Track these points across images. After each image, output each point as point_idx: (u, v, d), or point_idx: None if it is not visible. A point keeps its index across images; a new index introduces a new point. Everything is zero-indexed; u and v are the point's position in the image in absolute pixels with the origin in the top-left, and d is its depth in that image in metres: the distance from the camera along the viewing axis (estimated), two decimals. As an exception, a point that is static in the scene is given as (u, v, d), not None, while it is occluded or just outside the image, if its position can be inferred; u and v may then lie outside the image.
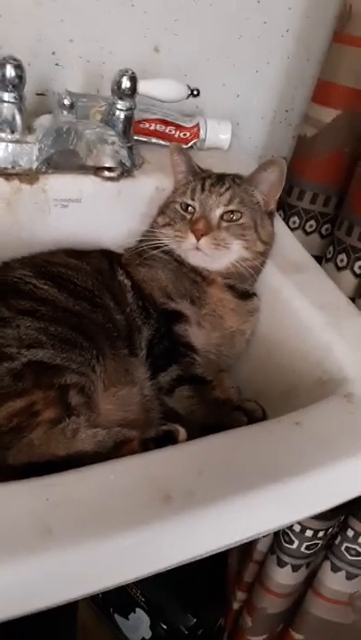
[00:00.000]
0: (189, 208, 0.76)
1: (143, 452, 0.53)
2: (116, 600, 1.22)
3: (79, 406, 0.57)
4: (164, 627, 1.16)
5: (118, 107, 0.78)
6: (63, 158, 0.77)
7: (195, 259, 0.74)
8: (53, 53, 0.88)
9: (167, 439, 0.55)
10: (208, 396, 0.66)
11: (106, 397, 0.63)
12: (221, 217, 0.74)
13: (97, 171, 0.80)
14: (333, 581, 1.01)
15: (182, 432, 0.56)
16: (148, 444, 0.54)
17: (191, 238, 0.72)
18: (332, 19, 0.97)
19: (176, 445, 0.54)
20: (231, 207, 0.74)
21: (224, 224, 0.74)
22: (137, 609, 1.19)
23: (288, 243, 0.83)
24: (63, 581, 0.43)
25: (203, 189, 0.75)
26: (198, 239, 0.72)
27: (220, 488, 0.48)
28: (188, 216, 0.75)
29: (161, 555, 0.47)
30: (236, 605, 1.17)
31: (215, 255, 0.73)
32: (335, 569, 1.00)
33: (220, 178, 0.78)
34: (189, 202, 0.76)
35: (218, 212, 0.74)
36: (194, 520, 0.46)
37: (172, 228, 0.75)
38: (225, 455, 0.52)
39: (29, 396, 0.55)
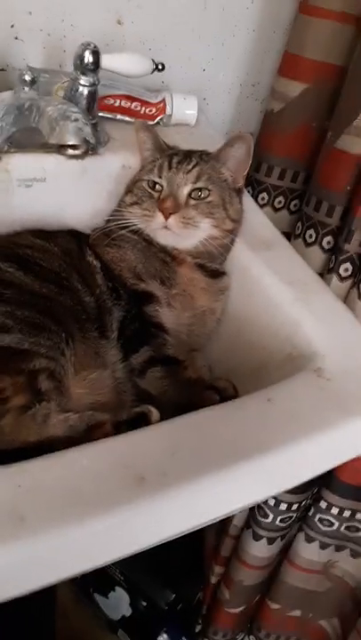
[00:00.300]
0: (157, 186, 0.75)
1: (116, 434, 0.53)
2: (95, 579, 1.23)
3: (49, 391, 0.56)
4: (144, 603, 1.18)
5: (81, 82, 0.76)
6: (25, 136, 0.75)
7: (164, 238, 0.73)
8: (12, 26, 0.84)
9: (140, 421, 0.55)
10: (180, 376, 0.66)
11: (77, 381, 0.62)
12: (189, 195, 0.73)
13: (61, 149, 0.78)
14: (308, 551, 1.04)
15: (155, 413, 0.56)
16: (121, 427, 0.54)
17: (159, 217, 0.71)
18: (297, -11, 0.95)
19: (149, 426, 0.54)
20: (199, 184, 0.73)
21: (192, 202, 0.73)
22: (116, 587, 1.20)
23: (257, 219, 0.83)
24: (38, 568, 0.43)
25: (170, 167, 0.74)
26: (167, 218, 0.71)
27: (194, 467, 0.49)
28: (156, 194, 0.74)
29: (136, 536, 0.47)
30: (213, 579, 1.19)
31: (184, 234, 0.72)
32: (309, 539, 1.02)
33: (188, 155, 0.77)
34: (156, 179, 0.74)
35: (185, 189, 0.73)
36: (168, 500, 0.47)
37: (140, 207, 0.74)
38: (198, 434, 0.52)
39: (-3, 382, 0.54)
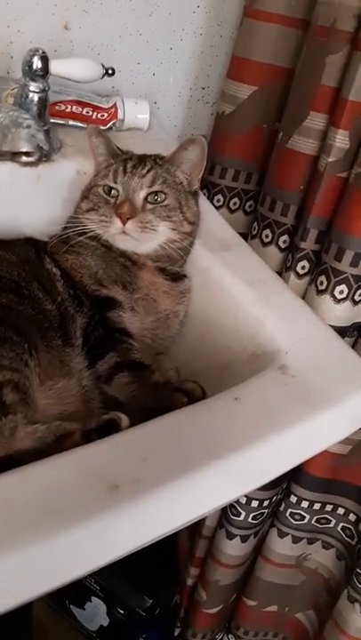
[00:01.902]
0: (112, 191, 0.74)
1: (86, 443, 0.52)
2: (71, 591, 1.21)
3: (15, 404, 0.55)
4: (121, 611, 1.17)
5: (31, 88, 0.75)
6: (-24, 145, 0.73)
7: (122, 243, 0.73)
8: None
9: (110, 428, 0.54)
10: (147, 381, 0.66)
11: (43, 392, 0.61)
12: (146, 199, 0.73)
13: (14, 156, 0.76)
14: (281, 546, 1.05)
15: (124, 419, 0.55)
16: (91, 435, 0.53)
17: (117, 222, 0.71)
18: (241, -6, 0.97)
19: (119, 433, 0.54)
20: (155, 188, 0.73)
21: (149, 206, 0.73)
22: (92, 597, 1.19)
23: (214, 221, 0.83)
24: (12, 586, 0.41)
25: (125, 171, 0.74)
26: (124, 223, 0.71)
27: (166, 471, 0.48)
28: (112, 200, 0.74)
29: (113, 545, 0.46)
30: (189, 581, 1.20)
31: (142, 238, 0.73)
32: (282, 534, 1.04)
33: (142, 159, 0.77)
34: (112, 185, 0.74)
35: (142, 194, 0.73)
36: (143, 507, 0.46)
37: (97, 213, 0.74)
38: (168, 438, 0.52)
39: None
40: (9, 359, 0.57)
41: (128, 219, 0.71)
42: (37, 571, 0.42)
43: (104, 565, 0.47)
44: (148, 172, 0.74)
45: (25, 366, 0.59)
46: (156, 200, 0.73)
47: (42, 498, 0.44)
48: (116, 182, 0.74)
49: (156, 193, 0.73)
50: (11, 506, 0.43)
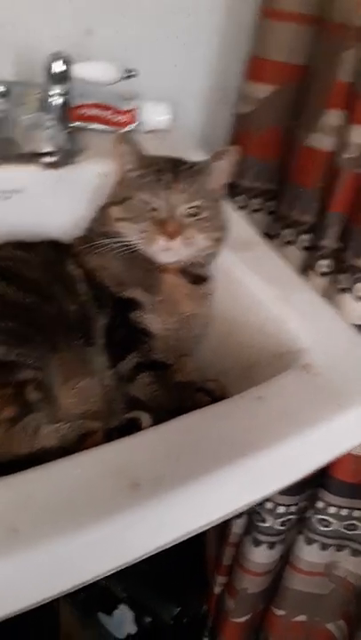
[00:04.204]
0: (150, 205, 0.73)
1: (108, 442, 0.52)
2: (98, 598, 1.20)
3: (38, 402, 0.55)
4: (149, 619, 1.16)
5: (53, 92, 0.76)
6: (1, 147, 0.74)
7: (164, 258, 0.73)
8: (-20, 40, 0.84)
9: (132, 427, 0.54)
10: (169, 381, 0.66)
11: (65, 391, 0.61)
12: (184, 213, 0.73)
13: (36, 157, 0.77)
14: (309, 554, 1.03)
15: (146, 418, 0.55)
16: (113, 434, 0.53)
17: (162, 240, 0.71)
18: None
19: (141, 432, 0.53)
20: (194, 203, 0.73)
21: (189, 220, 0.73)
22: (120, 605, 1.18)
23: (236, 221, 0.83)
24: (34, 581, 0.41)
25: (163, 186, 0.73)
26: (169, 240, 0.71)
27: (189, 470, 0.48)
28: (152, 214, 0.73)
29: (134, 544, 0.46)
30: (217, 589, 1.18)
31: (183, 252, 0.73)
32: (309, 541, 1.02)
33: (176, 170, 0.75)
34: (150, 200, 0.73)
35: (182, 209, 0.73)
36: (165, 505, 0.46)
37: (135, 227, 0.73)
38: (190, 436, 0.52)
39: (-15, 396, 0.53)
40: (32, 358, 0.58)
41: (173, 236, 0.71)
42: (59, 568, 0.42)
43: (126, 565, 0.46)
44: (186, 186, 0.73)
45: (47, 365, 0.59)
46: (194, 213, 0.73)
47: (64, 495, 0.44)
48: (154, 197, 0.73)
49: (195, 207, 0.73)
50: (33, 502, 0.43)
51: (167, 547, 0.49)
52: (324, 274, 0.83)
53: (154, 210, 0.73)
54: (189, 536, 0.51)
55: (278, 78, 0.88)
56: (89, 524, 0.42)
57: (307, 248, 0.87)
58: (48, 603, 0.44)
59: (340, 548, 1.04)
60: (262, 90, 0.89)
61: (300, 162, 0.84)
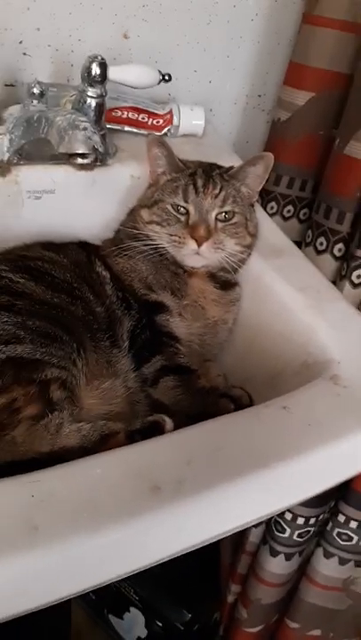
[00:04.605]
0: (181, 209, 0.74)
1: (130, 444, 0.52)
2: (110, 600, 1.20)
3: (61, 401, 0.56)
4: (160, 624, 1.16)
5: (89, 94, 0.76)
6: (35, 148, 0.75)
7: (193, 262, 0.73)
8: (20, 42, 0.85)
9: (154, 430, 0.54)
10: (193, 386, 0.65)
11: (89, 391, 0.62)
12: (216, 218, 0.73)
13: (70, 158, 0.78)
14: (326, 568, 1.01)
15: (169, 422, 0.55)
16: (135, 436, 0.53)
17: (192, 244, 0.71)
18: (300, 0, 0.96)
19: (163, 435, 0.53)
20: (226, 208, 0.73)
21: (220, 225, 0.73)
22: (131, 608, 1.18)
23: (267, 228, 0.82)
24: (52, 579, 0.41)
25: (195, 190, 0.73)
26: (200, 245, 0.71)
27: (210, 476, 0.47)
28: (183, 218, 0.73)
29: (152, 547, 0.46)
30: (230, 598, 1.17)
31: (213, 257, 0.73)
32: (328, 555, 1.00)
33: (209, 175, 0.76)
34: (183, 204, 0.73)
35: (214, 214, 0.73)
36: (184, 510, 0.45)
37: (165, 230, 0.74)
38: (213, 443, 0.51)
39: (10, 392, 0.53)
40: (58, 357, 0.58)
41: (201, 240, 0.71)
42: (77, 566, 0.42)
43: (143, 568, 0.46)
44: (219, 191, 0.73)
45: (73, 365, 0.59)
46: (226, 218, 0.73)
47: (84, 494, 0.44)
48: (187, 202, 0.73)
49: (226, 212, 0.73)
50: (54, 500, 0.43)
51: (184, 553, 0.49)
52: (358, 284, 0.81)
53: (184, 214, 0.73)
54: (207, 543, 0.50)
55: (318, 85, 0.87)
56: (108, 525, 0.42)
57: (341, 257, 0.86)
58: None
59: (359, 563, 1.02)
60: (301, 97, 0.88)
61: (337, 170, 0.84)
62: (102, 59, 0.75)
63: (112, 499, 0.44)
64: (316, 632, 1.12)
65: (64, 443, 0.52)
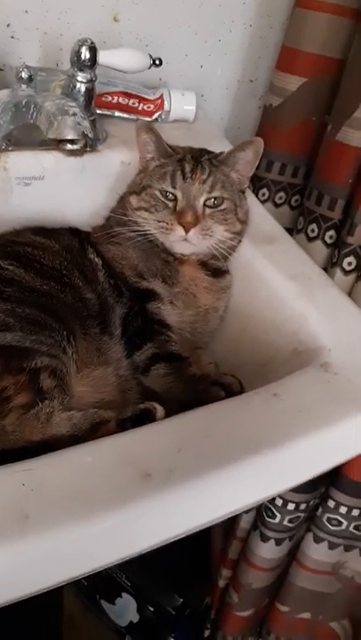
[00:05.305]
0: (170, 195, 0.73)
1: (121, 432, 0.52)
2: (102, 586, 1.21)
3: (51, 389, 0.55)
4: (152, 609, 1.17)
5: (78, 79, 0.75)
6: (24, 134, 0.74)
7: (181, 249, 0.73)
8: (8, 25, 0.84)
9: (145, 418, 0.54)
10: (185, 373, 0.65)
11: (80, 379, 0.61)
12: (204, 204, 0.72)
13: (59, 144, 0.77)
14: (316, 552, 1.02)
15: (160, 409, 0.55)
16: (126, 424, 0.53)
17: (179, 230, 0.70)
18: (293, -16, 0.95)
19: (154, 423, 0.53)
20: (214, 194, 0.73)
21: (208, 211, 0.72)
22: (123, 593, 1.19)
23: (259, 215, 0.82)
24: (43, 567, 0.41)
25: (183, 176, 0.73)
26: (187, 231, 0.70)
27: (201, 463, 0.48)
28: (170, 204, 0.73)
29: (143, 534, 0.46)
30: (221, 583, 1.18)
31: (201, 244, 0.72)
32: (318, 540, 1.01)
33: (197, 160, 0.75)
34: (170, 190, 0.73)
35: (202, 200, 0.72)
36: (175, 497, 0.46)
37: (153, 216, 0.73)
38: (204, 430, 0.51)
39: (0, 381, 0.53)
40: (47, 345, 0.58)
41: (189, 226, 0.70)
42: (69, 554, 0.42)
43: (134, 555, 0.46)
44: (207, 177, 0.73)
45: (63, 353, 0.59)
46: (214, 204, 0.73)
47: (75, 483, 0.44)
48: (174, 187, 0.73)
49: (215, 198, 0.73)
50: (44, 489, 0.43)
51: (176, 539, 0.49)
52: (349, 271, 0.81)
53: (172, 200, 0.72)
54: (198, 530, 0.51)
55: (310, 71, 0.86)
56: (99, 513, 0.42)
57: (333, 244, 0.85)
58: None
59: (348, 547, 1.03)
60: (293, 82, 0.87)
61: (329, 157, 0.83)
62: (92, 42, 0.73)
63: (103, 486, 0.44)
64: (306, 615, 1.13)
65: (55, 431, 0.52)
